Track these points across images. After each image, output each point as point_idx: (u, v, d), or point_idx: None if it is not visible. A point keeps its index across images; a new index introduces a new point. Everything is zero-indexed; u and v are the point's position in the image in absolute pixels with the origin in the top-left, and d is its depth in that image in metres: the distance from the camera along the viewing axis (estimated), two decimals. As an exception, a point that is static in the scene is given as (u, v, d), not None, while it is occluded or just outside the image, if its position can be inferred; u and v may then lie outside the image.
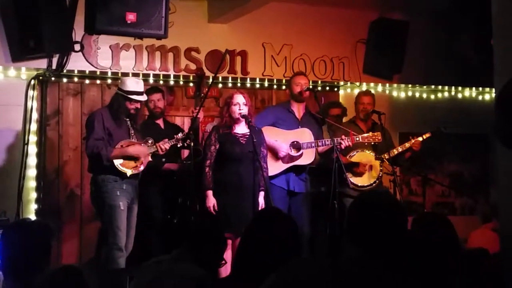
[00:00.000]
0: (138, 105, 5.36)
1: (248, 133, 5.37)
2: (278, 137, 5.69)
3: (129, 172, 5.22)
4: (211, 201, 5.25)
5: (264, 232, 2.60)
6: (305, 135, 5.74)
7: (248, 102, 5.43)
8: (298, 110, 5.86)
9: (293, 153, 5.66)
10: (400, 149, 6.24)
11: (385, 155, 6.09)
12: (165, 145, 5.40)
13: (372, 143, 5.93)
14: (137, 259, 5.15)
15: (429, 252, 2.73)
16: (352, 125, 6.23)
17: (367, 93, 6.53)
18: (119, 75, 6.29)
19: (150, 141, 5.38)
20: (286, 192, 5.65)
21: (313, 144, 5.68)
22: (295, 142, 5.68)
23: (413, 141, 6.23)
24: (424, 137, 6.28)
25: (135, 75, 6.32)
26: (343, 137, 5.65)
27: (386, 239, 2.23)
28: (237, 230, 4.93)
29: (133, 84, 5.30)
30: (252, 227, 2.70)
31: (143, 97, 5.39)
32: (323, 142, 5.70)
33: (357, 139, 5.73)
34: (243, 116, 5.32)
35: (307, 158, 5.73)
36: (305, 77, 5.98)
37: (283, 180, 5.65)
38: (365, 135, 5.83)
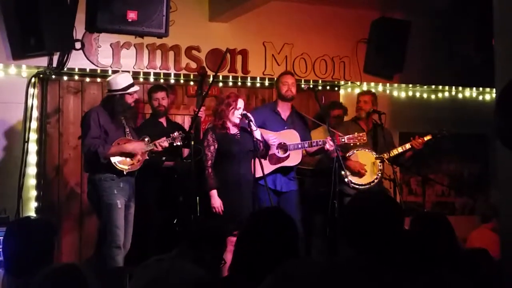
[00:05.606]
0: (137, 96, 5.52)
1: (239, 133, 5.48)
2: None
3: (126, 170, 5.23)
4: (217, 201, 5.28)
5: (262, 231, 2.57)
6: (291, 136, 5.77)
7: None
8: (284, 110, 5.88)
9: (280, 154, 5.68)
10: (400, 149, 6.20)
11: (385, 154, 6.08)
12: (164, 143, 5.40)
13: (358, 143, 5.87)
14: (135, 258, 5.16)
15: (427, 252, 2.72)
16: (353, 124, 6.22)
17: (366, 92, 6.52)
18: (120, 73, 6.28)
19: (146, 139, 5.39)
20: (272, 192, 5.62)
21: (299, 146, 5.71)
22: (282, 144, 5.70)
23: (413, 141, 6.18)
24: (426, 139, 6.19)
25: (136, 73, 6.34)
26: (328, 138, 5.63)
27: (380, 238, 2.21)
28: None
29: (124, 80, 5.40)
30: (250, 226, 2.67)
31: (137, 87, 5.55)
32: (309, 143, 5.71)
33: (343, 140, 5.73)
34: (244, 115, 5.39)
35: (293, 159, 5.76)
36: (292, 76, 5.98)
37: (270, 181, 5.63)
38: (350, 136, 5.78)
